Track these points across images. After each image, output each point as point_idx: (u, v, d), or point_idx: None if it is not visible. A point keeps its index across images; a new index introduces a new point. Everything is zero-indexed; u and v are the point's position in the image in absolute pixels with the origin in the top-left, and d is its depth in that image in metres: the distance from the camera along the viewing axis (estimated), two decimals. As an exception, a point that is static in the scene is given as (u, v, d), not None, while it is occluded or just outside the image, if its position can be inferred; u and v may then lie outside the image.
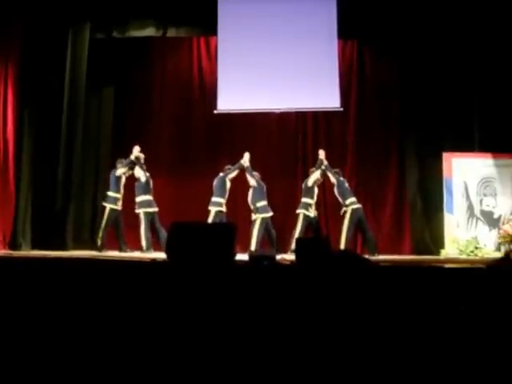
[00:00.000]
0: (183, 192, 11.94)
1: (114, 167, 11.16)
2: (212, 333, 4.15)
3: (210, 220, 10.71)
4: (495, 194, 10.78)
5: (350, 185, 11.12)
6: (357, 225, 10.79)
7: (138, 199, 10.99)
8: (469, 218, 10.66)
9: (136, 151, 11.16)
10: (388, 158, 11.91)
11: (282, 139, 12.21)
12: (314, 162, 11.32)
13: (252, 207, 10.94)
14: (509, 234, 10.23)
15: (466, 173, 10.74)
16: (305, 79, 11.24)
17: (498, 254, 10.09)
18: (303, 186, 11.16)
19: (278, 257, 7.76)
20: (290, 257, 9.15)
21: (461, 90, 11.14)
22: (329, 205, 11.77)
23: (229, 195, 11.09)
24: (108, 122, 12.21)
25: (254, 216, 10.89)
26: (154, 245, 10.75)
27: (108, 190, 11.08)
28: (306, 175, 11.29)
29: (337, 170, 11.10)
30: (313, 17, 11.31)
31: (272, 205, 11.01)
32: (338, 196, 10.95)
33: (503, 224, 10.55)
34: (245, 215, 11.01)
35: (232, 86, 11.34)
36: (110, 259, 8.73)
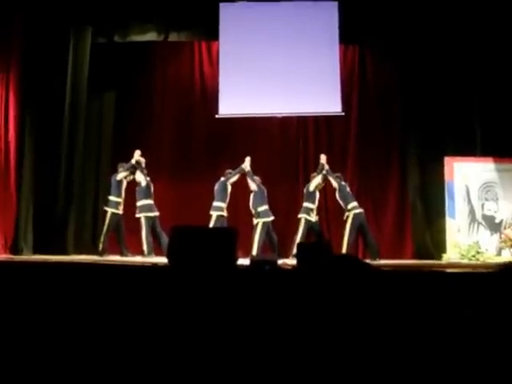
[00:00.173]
0: (184, 196, 11.92)
1: (115, 171, 11.16)
2: (214, 337, 4.14)
3: (211, 224, 10.70)
4: (497, 199, 10.76)
5: (351, 189, 11.10)
6: (358, 229, 10.77)
7: (139, 203, 10.98)
8: (470, 223, 10.64)
9: (137, 155, 11.15)
10: (389, 162, 11.91)
11: (283, 143, 12.21)
12: (316, 166, 11.31)
13: (253, 212, 10.93)
14: (510, 239, 10.23)
15: (467, 177, 10.72)
16: (306, 84, 11.24)
17: (500, 259, 10.08)
18: (305, 190, 11.14)
19: (280, 261, 7.75)
20: (291, 261, 9.15)
21: (462, 94, 11.14)
22: (330, 209, 11.77)
23: (230, 200, 11.07)
24: (109, 126, 12.21)
25: (255, 220, 10.88)
26: (156, 249, 10.74)
27: (109, 194, 11.08)
28: (308, 180, 11.27)
29: (338, 174, 11.09)
30: (314, 21, 11.32)
31: (273, 209, 10.99)
32: (339, 200, 10.94)
33: (505, 228, 10.55)
34: (246, 220, 10.99)
35: (233, 90, 11.34)
36: (112, 264, 8.72)
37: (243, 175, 11.16)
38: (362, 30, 11.26)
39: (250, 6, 11.39)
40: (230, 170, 11.16)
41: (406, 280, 5.51)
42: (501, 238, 10.46)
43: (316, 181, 11.04)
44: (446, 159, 10.76)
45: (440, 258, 10.57)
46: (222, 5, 11.33)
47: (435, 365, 3.33)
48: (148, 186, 11.04)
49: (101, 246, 10.83)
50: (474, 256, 10.21)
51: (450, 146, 11.03)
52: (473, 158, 10.84)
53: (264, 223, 10.81)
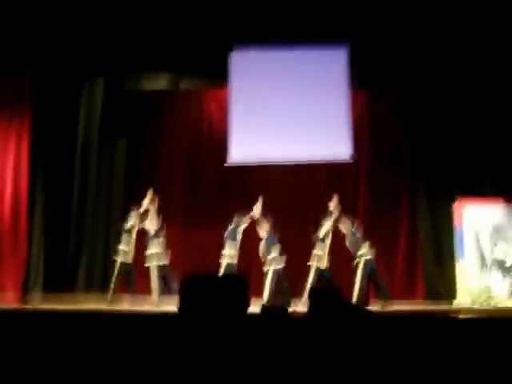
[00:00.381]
0: (194, 242, 11.99)
1: (126, 217, 11.19)
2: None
3: (221, 272, 10.67)
4: (507, 242, 10.72)
5: (361, 234, 11.08)
6: (369, 275, 10.73)
7: (149, 252, 10.97)
8: (481, 267, 10.59)
9: (146, 204, 11.19)
10: (399, 205, 11.98)
11: (293, 189, 12.26)
12: (326, 212, 11.30)
13: (264, 259, 10.90)
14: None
15: (477, 221, 10.69)
16: (316, 130, 11.32)
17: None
18: (314, 237, 11.12)
19: (291, 309, 7.71)
20: (302, 309, 9.10)
21: (471, 136, 11.24)
22: (341, 255, 11.73)
23: (240, 247, 11.06)
24: (120, 172, 12.35)
25: (265, 268, 10.85)
26: (166, 297, 10.70)
27: (119, 243, 11.09)
28: (318, 225, 11.26)
29: (349, 219, 11.07)
30: (324, 68, 11.42)
31: (284, 255, 10.95)
32: (349, 247, 10.90)
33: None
34: (257, 267, 10.97)
35: (243, 137, 11.42)
36: (121, 312, 8.72)
37: (253, 222, 11.16)
38: (371, 76, 11.38)
39: (260, 53, 11.49)
40: (239, 217, 11.16)
41: (417, 327, 5.48)
42: (512, 281, 10.44)
43: (326, 227, 11.02)
44: (455, 204, 10.74)
45: (451, 301, 10.53)
46: (231, 53, 11.47)
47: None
48: (158, 233, 11.05)
49: (110, 294, 10.81)
50: (485, 301, 10.15)
51: (460, 189, 11.07)
52: (482, 201, 10.84)
53: (275, 270, 10.76)
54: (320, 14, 10.80)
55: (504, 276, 10.62)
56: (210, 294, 6.41)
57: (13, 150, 11.20)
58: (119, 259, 10.93)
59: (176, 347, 4.57)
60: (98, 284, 11.68)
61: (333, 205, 11.16)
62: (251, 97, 11.46)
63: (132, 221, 11.08)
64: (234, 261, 10.88)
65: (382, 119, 12.22)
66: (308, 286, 10.62)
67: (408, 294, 11.38)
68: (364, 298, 10.64)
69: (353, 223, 11.03)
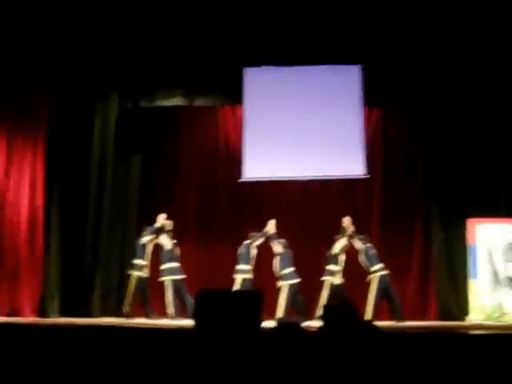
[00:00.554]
0: (209, 259, 12.02)
1: (141, 234, 11.27)
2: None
3: (235, 287, 10.72)
4: (520, 260, 10.74)
5: (375, 250, 11.12)
6: (383, 291, 10.75)
7: (163, 267, 11.06)
8: (494, 284, 10.59)
9: (161, 219, 11.28)
10: (413, 223, 11.91)
11: (307, 206, 12.27)
12: (339, 228, 11.35)
13: (278, 274, 10.95)
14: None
15: (490, 239, 10.69)
16: (330, 147, 11.28)
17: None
18: (328, 253, 11.17)
19: (305, 324, 7.75)
20: (316, 324, 9.12)
21: (485, 156, 11.17)
22: (355, 271, 11.75)
23: (255, 262, 11.12)
24: (135, 189, 12.34)
25: (280, 283, 10.89)
26: (181, 312, 10.76)
27: (135, 257, 11.17)
28: (332, 242, 11.30)
29: (362, 236, 11.11)
30: (338, 85, 11.41)
31: (298, 271, 10.99)
32: (363, 263, 10.93)
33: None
34: (271, 282, 10.98)
35: (257, 154, 11.39)
36: (137, 327, 8.77)
37: (267, 238, 11.22)
38: (385, 94, 11.37)
39: (274, 70, 11.49)
40: (253, 233, 11.22)
41: (430, 342, 5.52)
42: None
43: (340, 243, 11.07)
44: (469, 222, 10.75)
45: (464, 318, 10.54)
46: (245, 70, 11.48)
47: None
48: (173, 249, 11.13)
49: (126, 308, 10.88)
50: (498, 317, 10.16)
51: (473, 207, 11.02)
52: (495, 220, 10.83)
53: (290, 285, 10.80)
54: (332, 35, 10.86)
55: (517, 293, 10.63)
56: (225, 308, 6.47)
57: (28, 168, 11.23)
58: (135, 273, 11.01)
59: (191, 361, 4.63)
60: (114, 299, 11.72)
61: (346, 221, 11.21)
62: (265, 114, 11.46)
63: (147, 235, 11.17)
64: (249, 276, 10.94)
65: (395, 136, 12.20)
66: (322, 301, 10.66)
67: (420, 311, 11.35)
68: (377, 314, 10.68)
69: (366, 239, 11.08)
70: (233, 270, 10.96)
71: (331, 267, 10.96)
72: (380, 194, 12.07)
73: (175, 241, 11.20)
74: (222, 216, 12.28)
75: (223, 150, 12.58)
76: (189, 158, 12.60)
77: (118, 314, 11.20)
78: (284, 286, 10.80)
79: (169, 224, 11.30)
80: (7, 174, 11.23)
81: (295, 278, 10.89)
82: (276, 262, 11.00)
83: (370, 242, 11.14)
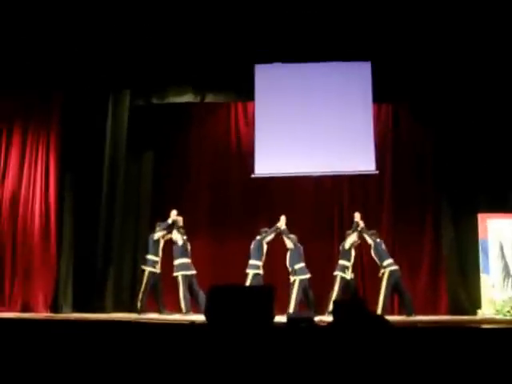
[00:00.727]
0: (221, 254, 12.06)
1: (153, 231, 11.34)
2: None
3: (247, 283, 10.78)
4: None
5: (386, 246, 11.13)
6: (394, 286, 10.79)
7: (176, 262, 11.09)
8: (504, 278, 10.61)
9: (173, 215, 11.33)
10: (423, 219, 11.94)
11: (318, 202, 12.32)
12: (351, 224, 11.38)
13: (290, 269, 10.98)
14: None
15: (501, 233, 10.72)
16: (341, 143, 11.29)
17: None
18: (340, 248, 11.21)
19: (316, 318, 7.78)
20: (327, 318, 9.16)
21: (495, 151, 11.17)
22: (366, 267, 11.80)
23: (266, 258, 11.15)
24: (148, 186, 12.42)
25: (292, 278, 10.93)
26: (193, 307, 10.81)
27: (147, 253, 11.25)
28: (343, 237, 11.34)
29: (373, 231, 11.15)
30: (348, 81, 11.43)
31: (309, 267, 11.02)
32: (375, 258, 10.99)
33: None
34: (283, 277, 11.04)
35: (269, 150, 11.41)
36: (150, 322, 8.82)
37: (279, 234, 11.26)
38: (395, 89, 11.37)
39: (285, 66, 11.51)
40: (265, 229, 11.26)
41: (441, 336, 5.54)
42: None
43: (351, 238, 11.11)
44: (480, 216, 10.78)
45: (475, 313, 10.57)
46: (257, 66, 11.51)
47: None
48: (184, 244, 11.18)
49: (139, 304, 10.94)
50: (508, 311, 10.20)
51: (484, 203, 11.03)
52: (506, 215, 10.85)
53: (301, 281, 10.85)
54: (343, 31, 10.87)
55: (528, 287, 10.65)
56: (237, 303, 6.52)
57: (41, 165, 11.29)
58: (148, 268, 11.07)
59: (203, 356, 4.69)
60: (127, 295, 11.80)
61: (357, 216, 11.25)
62: (276, 110, 11.48)
63: (160, 231, 11.23)
64: (260, 271, 10.99)
65: (405, 132, 12.23)
66: (333, 296, 10.71)
67: (431, 306, 11.37)
68: (388, 308, 10.72)
69: (377, 235, 11.11)
70: (244, 266, 11.01)
71: (343, 262, 11.00)
72: (390, 190, 12.09)
73: (185, 237, 11.25)
74: (234, 212, 12.33)
75: (235, 147, 12.63)
76: (201, 154, 12.63)
77: (131, 309, 11.28)
78: (296, 280, 10.85)
79: (180, 220, 11.37)
80: (21, 171, 11.32)
81: (306, 273, 10.94)
82: (288, 256, 11.06)
83: (380, 237, 11.18)
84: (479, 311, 10.48)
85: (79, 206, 11.45)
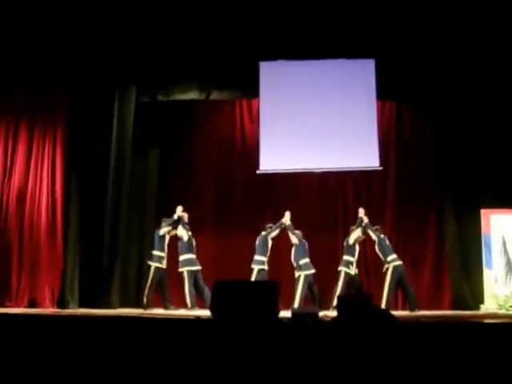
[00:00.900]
0: (226, 250, 12.12)
1: (159, 227, 11.40)
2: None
3: (252, 278, 10.84)
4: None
5: (390, 241, 11.17)
6: (398, 281, 10.83)
7: (182, 258, 11.16)
8: (507, 273, 10.66)
9: (179, 211, 11.39)
10: (427, 214, 11.99)
11: (322, 197, 12.39)
12: (355, 219, 11.43)
13: (295, 265, 11.04)
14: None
15: (504, 228, 10.78)
16: (345, 139, 11.34)
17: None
18: (344, 243, 11.25)
19: (321, 313, 7.83)
20: (332, 313, 9.21)
21: (498, 147, 11.20)
22: (370, 262, 11.85)
23: (271, 253, 11.22)
24: (153, 182, 12.49)
25: (297, 273, 10.99)
26: (198, 302, 10.87)
27: (153, 249, 11.32)
28: (347, 233, 11.39)
29: (377, 227, 11.21)
30: (352, 78, 11.47)
31: (313, 262, 11.09)
32: (379, 253, 11.03)
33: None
34: (287, 273, 11.10)
35: (273, 146, 11.46)
36: (156, 317, 8.87)
37: (284, 229, 11.32)
38: (398, 87, 11.42)
39: (289, 64, 11.56)
40: (270, 225, 11.32)
41: (444, 331, 5.59)
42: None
43: (355, 234, 11.16)
44: (483, 211, 10.85)
45: (478, 308, 10.62)
46: (261, 63, 11.57)
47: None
48: (190, 240, 11.23)
49: (145, 299, 11.00)
50: (511, 306, 10.25)
51: (486, 199, 11.07)
52: (509, 210, 10.90)
53: (306, 276, 10.91)
54: (347, 28, 10.90)
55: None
56: (242, 298, 6.57)
57: (48, 161, 11.35)
58: (154, 264, 11.14)
59: (209, 350, 4.75)
60: (133, 291, 11.87)
61: (361, 212, 11.30)
62: (281, 107, 11.54)
63: (166, 227, 11.29)
64: (265, 267, 11.05)
65: (408, 129, 12.28)
66: (337, 291, 10.76)
67: (435, 301, 11.42)
68: (392, 303, 10.77)
69: (381, 230, 11.16)
70: (249, 261, 11.08)
71: (347, 257, 11.05)
72: (394, 186, 12.14)
73: (190, 232, 11.30)
74: (239, 208, 12.39)
75: (240, 143, 12.69)
76: (206, 151, 12.70)
77: (137, 304, 11.35)
78: (301, 276, 10.90)
79: (185, 216, 11.43)
80: (27, 167, 11.37)
81: (310, 268, 11.00)
82: (293, 252, 11.12)
83: (384, 232, 11.23)
84: (482, 306, 10.53)
85: (85, 202, 11.48)
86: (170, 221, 11.31)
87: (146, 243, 11.95)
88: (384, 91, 11.38)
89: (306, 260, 11.04)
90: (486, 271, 10.72)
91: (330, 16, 10.78)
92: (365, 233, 11.23)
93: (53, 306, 10.81)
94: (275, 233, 11.23)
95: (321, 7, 10.65)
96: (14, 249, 11.10)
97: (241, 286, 7.12)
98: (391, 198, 12.14)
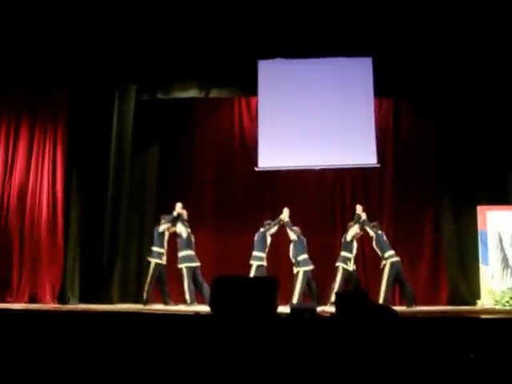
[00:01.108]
0: (225, 247, 12.18)
1: (158, 223, 11.48)
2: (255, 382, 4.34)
3: (251, 274, 10.89)
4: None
5: (387, 238, 11.22)
6: (395, 277, 10.90)
7: (181, 254, 11.19)
8: (503, 269, 10.73)
9: (178, 208, 11.45)
10: (424, 211, 12.06)
11: (320, 194, 12.45)
12: (353, 216, 11.49)
13: (293, 261, 11.10)
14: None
15: (500, 225, 10.83)
16: (343, 137, 11.37)
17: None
18: (342, 240, 11.32)
19: (319, 309, 7.89)
20: (329, 309, 9.27)
21: (495, 145, 11.25)
22: (367, 258, 11.92)
23: (270, 249, 11.27)
24: (153, 179, 12.54)
25: (295, 269, 11.04)
26: (197, 298, 10.94)
27: (152, 245, 11.39)
28: (345, 229, 11.46)
29: (375, 223, 11.26)
30: (350, 76, 11.50)
31: (311, 258, 11.15)
32: (376, 249, 11.10)
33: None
34: (286, 269, 11.15)
35: (272, 144, 11.49)
36: (156, 313, 8.92)
37: (282, 226, 11.39)
38: (396, 84, 11.44)
39: (288, 62, 11.59)
40: (269, 221, 11.38)
41: (441, 326, 5.66)
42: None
43: (353, 230, 11.22)
44: (479, 208, 10.89)
45: (474, 304, 10.68)
46: (260, 62, 11.61)
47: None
48: (189, 237, 11.28)
49: (145, 295, 11.06)
50: (507, 302, 10.30)
51: (483, 196, 11.12)
52: (505, 207, 10.96)
53: (305, 272, 10.97)
54: (344, 26, 10.93)
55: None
56: (241, 294, 6.64)
57: (48, 159, 11.39)
58: (154, 260, 11.21)
59: (208, 345, 4.81)
60: (133, 286, 11.92)
61: (359, 209, 11.37)
62: (280, 105, 11.57)
63: (165, 224, 11.35)
64: (264, 263, 11.11)
65: (406, 126, 12.35)
66: (335, 287, 10.83)
67: (432, 297, 11.48)
68: (389, 299, 10.83)
69: (378, 227, 11.23)
70: (248, 258, 11.14)
71: (345, 254, 11.12)
72: (391, 183, 12.21)
73: (189, 229, 11.36)
74: (238, 205, 12.44)
75: (238, 141, 12.76)
76: (205, 148, 12.76)
77: (137, 300, 11.42)
78: (300, 272, 10.97)
79: (185, 213, 11.48)
80: (28, 165, 11.42)
81: (309, 264, 11.07)
82: (292, 248, 11.18)
83: (381, 229, 11.29)
84: (478, 302, 10.59)
85: (86, 199, 11.53)
86: (169, 218, 11.37)
87: (146, 240, 11.99)
88: (381, 89, 11.39)
89: (305, 256, 11.10)
90: (482, 267, 10.77)
91: (327, 14, 10.80)
92: (362, 229, 11.29)
93: (53, 302, 10.86)
94: (274, 229, 11.30)
95: (319, 6, 10.68)
96: (15, 246, 11.13)
97: (240, 282, 7.17)
98: (389, 195, 12.20)
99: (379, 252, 11.03)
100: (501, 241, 10.82)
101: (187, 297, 10.90)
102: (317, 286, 11.14)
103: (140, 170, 12.38)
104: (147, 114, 12.13)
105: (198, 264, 11.18)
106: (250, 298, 6.39)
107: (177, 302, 11.09)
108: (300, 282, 10.91)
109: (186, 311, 9.56)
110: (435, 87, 11.34)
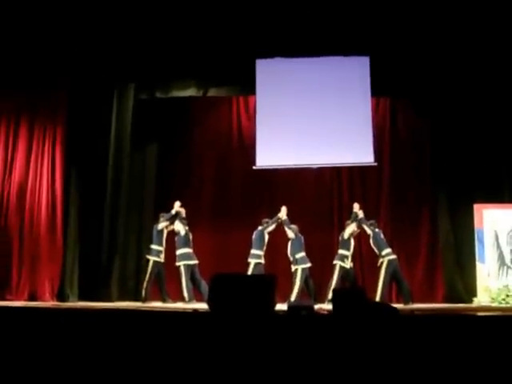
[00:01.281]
0: (223, 245, 12.24)
1: (157, 221, 11.51)
2: (253, 381, 4.38)
3: (249, 272, 10.93)
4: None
5: (384, 236, 11.28)
6: (392, 275, 10.95)
7: (179, 252, 11.24)
8: (500, 267, 10.78)
9: (177, 206, 11.49)
10: (421, 209, 12.11)
11: (318, 193, 12.51)
12: (350, 214, 11.53)
13: (291, 259, 11.15)
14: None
15: (496, 223, 10.88)
16: (340, 135, 11.42)
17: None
18: (340, 238, 11.37)
19: (316, 307, 7.93)
20: (327, 307, 9.31)
21: (491, 143, 11.29)
22: (364, 256, 11.96)
23: (268, 247, 11.33)
24: (152, 178, 12.57)
25: (293, 267, 11.09)
26: (195, 296, 10.98)
27: (151, 243, 11.43)
28: (342, 227, 11.51)
29: (372, 221, 11.31)
30: (347, 75, 11.54)
31: (309, 256, 11.19)
32: (373, 247, 11.15)
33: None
34: (283, 266, 11.19)
35: (270, 143, 11.55)
36: (154, 310, 8.95)
37: (280, 224, 11.43)
38: (393, 83, 11.49)
39: (285, 61, 11.65)
40: (266, 219, 11.43)
41: (437, 324, 5.69)
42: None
43: (350, 228, 11.26)
44: (476, 206, 10.93)
45: (471, 301, 10.74)
46: (258, 61, 11.66)
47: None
48: (187, 235, 11.33)
49: (143, 292, 11.11)
50: (504, 299, 10.35)
51: (479, 194, 11.17)
52: (501, 205, 11.02)
53: (303, 269, 11.02)
54: (342, 26, 10.96)
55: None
56: (239, 292, 6.66)
57: (48, 158, 11.43)
58: (152, 258, 11.25)
59: (206, 342, 4.85)
60: (132, 284, 11.96)
61: (357, 206, 11.42)
62: (277, 103, 11.61)
63: (163, 222, 11.39)
64: (262, 261, 11.16)
65: (403, 125, 12.41)
66: (332, 284, 10.87)
67: (428, 294, 11.55)
68: (386, 297, 10.88)
69: (375, 225, 11.27)
70: (246, 256, 11.19)
71: (342, 251, 11.16)
72: (388, 181, 12.27)
73: (187, 227, 11.40)
74: (236, 203, 12.51)
75: (236, 140, 12.82)
76: (203, 147, 12.81)
77: (136, 298, 11.47)
78: (298, 269, 11.01)
79: (183, 211, 11.52)
80: (27, 163, 11.47)
81: (307, 262, 11.11)
82: (290, 246, 11.22)
83: (378, 227, 11.33)
84: (475, 299, 10.64)
85: (85, 197, 11.59)
86: (167, 216, 11.42)
87: (145, 238, 12.04)
88: (379, 88, 11.45)
89: (302, 254, 11.15)
90: (478, 265, 10.82)
91: (325, 14, 10.84)
92: (360, 227, 11.33)
93: (53, 300, 10.91)
94: (272, 227, 11.35)
95: (316, 5, 10.72)
96: (15, 244, 11.18)
97: (238, 280, 7.20)
98: (386, 194, 12.26)
99: (376, 250, 11.08)
100: (497, 239, 10.86)
101: (185, 294, 10.94)
102: (314, 284, 11.18)
103: (139, 168, 12.41)
104: (146, 112, 12.16)
105: (195, 262, 11.23)
106: (248, 296, 6.41)
107: (175, 300, 11.14)
108: (299, 280, 10.94)
109: (184, 308, 9.58)
110: (432, 87, 11.37)
